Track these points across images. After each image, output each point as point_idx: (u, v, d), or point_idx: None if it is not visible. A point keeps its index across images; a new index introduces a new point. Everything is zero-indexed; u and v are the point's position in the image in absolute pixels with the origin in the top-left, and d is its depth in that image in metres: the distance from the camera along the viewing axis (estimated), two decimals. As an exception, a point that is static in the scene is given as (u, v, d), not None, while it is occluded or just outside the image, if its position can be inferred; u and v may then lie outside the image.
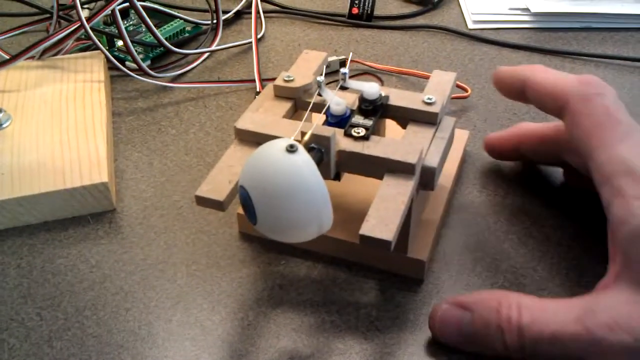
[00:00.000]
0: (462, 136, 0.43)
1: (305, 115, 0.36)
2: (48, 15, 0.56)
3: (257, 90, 0.50)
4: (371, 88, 0.35)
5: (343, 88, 0.37)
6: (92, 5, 0.62)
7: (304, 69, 0.39)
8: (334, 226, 0.30)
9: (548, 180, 0.42)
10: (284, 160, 0.28)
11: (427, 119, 0.35)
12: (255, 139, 0.34)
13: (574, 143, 0.33)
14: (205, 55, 0.56)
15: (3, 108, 0.44)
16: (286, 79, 0.38)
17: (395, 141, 0.33)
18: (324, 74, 0.37)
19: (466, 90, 0.49)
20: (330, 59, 0.53)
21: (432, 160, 0.33)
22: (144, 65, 0.50)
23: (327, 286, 0.35)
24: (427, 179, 0.33)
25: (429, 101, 0.35)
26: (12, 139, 0.42)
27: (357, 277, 0.35)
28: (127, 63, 0.53)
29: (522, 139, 0.41)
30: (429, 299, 0.34)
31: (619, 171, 0.30)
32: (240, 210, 0.37)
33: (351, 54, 0.38)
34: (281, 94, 0.38)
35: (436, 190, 0.36)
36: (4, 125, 0.43)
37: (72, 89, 0.47)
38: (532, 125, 0.41)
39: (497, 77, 0.38)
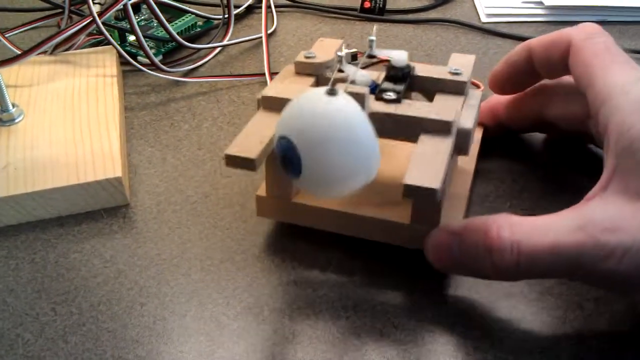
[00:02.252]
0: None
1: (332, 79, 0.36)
2: (60, 10, 0.56)
3: (268, 80, 0.50)
4: (399, 55, 0.35)
5: (371, 56, 0.36)
6: (103, 0, 0.63)
7: (322, 50, 0.39)
8: (357, 203, 0.31)
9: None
10: (329, 103, 0.27)
11: (455, 89, 0.35)
12: (283, 106, 0.33)
13: (575, 77, 0.34)
14: (217, 50, 0.56)
15: (16, 103, 0.44)
16: (307, 55, 0.37)
17: (427, 104, 0.33)
18: (343, 50, 0.37)
19: (479, 86, 0.48)
20: (341, 53, 0.52)
21: (467, 123, 0.33)
22: (156, 60, 0.50)
23: (343, 282, 0.34)
24: (462, 141, 0.33)
25: (455, 71, 0.35)
26: (25, 134, 0.42)
27: (374, 273, 0.35)
28: (139, 58, 0.53)
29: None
30: (449, 294, 0.34)
31: (617, 92, 0.31)
32: (261, 192, 0.36)
33: (375, 28, 0.37)
34: (302, 70, 0.37)
35: (463, 163, 0.35)
36: (17, 120, 0.43)
37: (85, 84, 0.47)
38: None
39: (499, 70, 0.40)
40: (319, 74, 0.37)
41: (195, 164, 0.43)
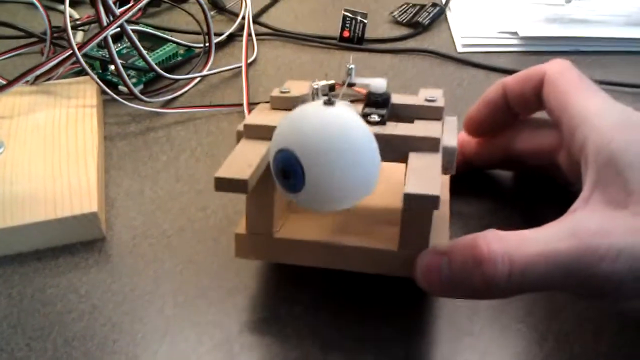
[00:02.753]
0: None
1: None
2: (43, 38, 0.56)
3: (246, 114, 0.51)
4: (379, 82, 0.36)
5: (350, 84, 0.37)
6: (86, 27, 0.64)
7: (295, 87, 0.39)
8: (342, 235, 0.31)
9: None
10: (330, 113, 0.28)
11: (433, 115, 0.36)
12: (266, 134, 0.33)
13: (549, 105, 0.36)
14: (197, 79, 0.57)
15: (-3, 136, 0.45)
16: (283, 90, 0.38)
17: (411, 125, 0.34)
18: (319, 82, 0.38)
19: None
20: (320, 83, 0.53)
21: (451, 142, 0.34)
22: (135, 90, 0.51)
23: (313, 320, 0.35)
24: (448, 159, 0.34)
25: (430, 99, 0.37)
26: (5, 168, 0.43)
27: (344, 311, 0.36)
28: (120, 87, 0.54)
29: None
30: (418, 330, 0.35)
31: (593, 115, 0.33)
32: (239, 230, 0.35)
33: (351, 58, 0.38)
34: (279, 105, 0.38)
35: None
36: (-3, 153, 0.44)
37: (65, 115, 0.48)
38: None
39: (475, 112, 0.41)
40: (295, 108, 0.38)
41: (172, 197, 0.44)
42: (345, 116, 0.28)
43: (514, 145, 0.41)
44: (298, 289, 0.37)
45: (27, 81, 0.51)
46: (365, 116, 0.35)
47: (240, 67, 0.57)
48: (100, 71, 0.56)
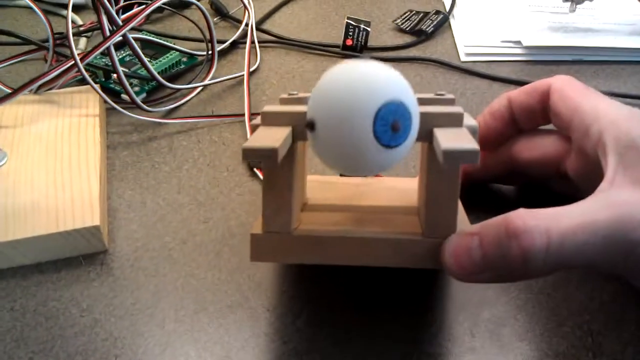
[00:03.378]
0: None
1: None
2: (45, 46, 0.56)
3: (247, 124, 0.51)
4: None
5: None
6: (90, 33, 0.64)
7: (302, 91, 0.39)
8: (364, 227, 0.32)
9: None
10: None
11: (445, 104, 0.36)
12: (285, 120, 0.32)
13: (557, 111, 0.37)
14: (200, 88, 0.57)
15: (0, 147, 0.45)
16: (291, 93, 0.38)
17: (431, 107, 0.33)
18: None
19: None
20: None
21: (471, 121, 0.33)
22: (138, 99, 0.51)
23: (312, 335, 0.35)
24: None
25: (440, 93, 0.37)
26: (7, 179, 0.43)
27: (343, 327, 0.36)
28: (123, 95, 0.54)
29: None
30: (413, 351, 0.35)
31: (606, 112, 0.34)
32: (255, 230, 0.33)
33: None
34: (288, 104, 0.37)
35: None
36: (0, 164, 0.44)
37: (68, 125, 0.48)
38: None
39: (480, 124, 0.41)
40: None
41: (174, 209, 0.44)
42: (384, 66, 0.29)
43: (518, 156, 0.40)
44: (300, 304, 0.37)
45: (31, 90, 0.51)
46: None
47: (243, 75, 0.57)
48: (104, 79, 0.56)
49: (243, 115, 0.52)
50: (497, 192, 0.45)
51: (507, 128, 0.41)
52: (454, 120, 0.31)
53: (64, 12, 0.70)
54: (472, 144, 0.28)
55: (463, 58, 0.61)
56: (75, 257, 0.40)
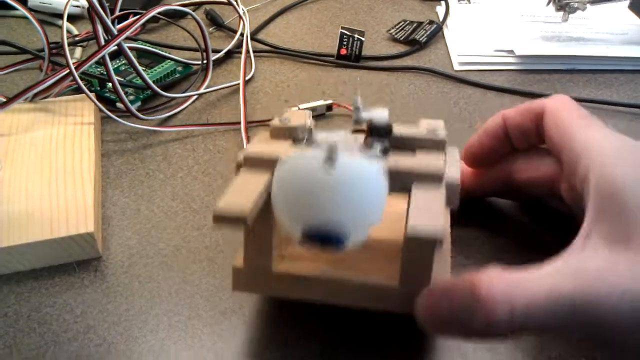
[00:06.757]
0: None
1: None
2: (41, 56, 0.57)
3: (243, 133, 0.51)
4: (381, 113, 0.36)
5: (357, 122, 0.36)
6: (85, 43, 0.64)
7: (296, 115, 0.39)
8: (342, 269, 0.32)
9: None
10: (343, 169, 0.27)
11: (435, 146, 0.35)
12: (266, 165, 0.33)
13: (549, 136, 0.36)
14: (195, 97, 0.57)
15: (-5, 154, 0.45)
16: (282, 120, 0.37)
17: (414, 157, 0.34)
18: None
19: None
20: (316, 103, 0.54)
21: (455, 175, 0.34)
22: (133, 108, 0.51)
23: (307, 344, 0.35)
24: (451, 194, 0.33)
25: (432, 130, 0.36)
26: (2, 187, 0.43)
27: (341, 338, 0.36)
28: (118, 104, 0.54)
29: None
30: None
31: (595, 144, 0.33)
32: (237, 263, 0.34)
33: (360, 107, 0.37)
34: (278, 134, 0.37)
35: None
36: (-6, 172, 0.44)
37: (62, 133, 0.48)
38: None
39: (475, 142, 0.41)
40: (295, 138, 0.37)
41: (168, 216, 0.44)
42: (353, 164, 0.28)
43: (514, 176, 0.40)
44: (294, 311, 0.37)
45: (26, 98, 0.51)
46: (367, 146, 0.35)
47: (238, 84, 0.57)
48: (99, 88, 0.57)
49: (238, 123, 0.52)
50: (494, 204, 0.45)
51: (502, 147, 0.40)
52: (434, 179, 0.32)
53: (59, 22, 0.70)
54: (434, 231, 0.28)
55: (456, 67, 0.62)
56: (69, 264, 0.40)
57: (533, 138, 0.39)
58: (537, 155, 0.39)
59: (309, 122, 0.37)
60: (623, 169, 0.31)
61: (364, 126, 0.36)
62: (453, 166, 0.36)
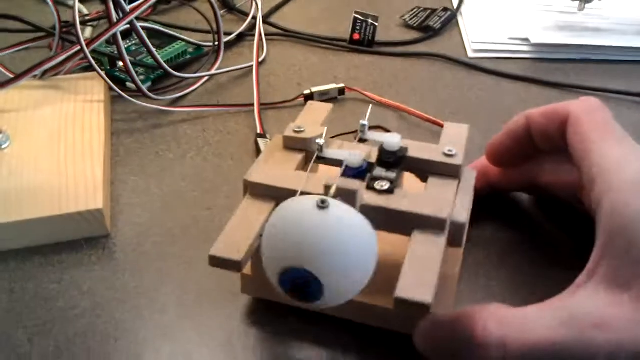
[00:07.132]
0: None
1: (310, 165, 0.35)
2: (52, 32, 0.56)
3: (256, 116, 0.50)
4: (392, 138, 0.34)
5: (362, 140, 0.36)
6: (95, 23, 0.64)
7: (312, 119, 0.38)
8: None
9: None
10: (331, 218, 0.27)
11: (449, 172, 0.34)
12: (270, 193, 0.33)
13: (571, 148, 0.35)
14: (206, 78, 0.56)
15: (2, 128, 0.45)
16: (296, 130, 0.36)
17: (421, 195, 0.32)
18: (324, 137, 0.35)
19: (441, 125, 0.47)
20: (329, 86, 0.53)
21: (461, 216, 0.32)
22: (144, 87, 0.51)
23: (315, 322, 0.35)
24: (455, 235, 0.32)
25: (449, 153, 0.35)
26: (10, 161, 0.43)
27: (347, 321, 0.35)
28: (128, 84, 0.53)
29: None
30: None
31: (611, 168, 0.31)
32: (246, 271, 0.34)
33: (369, 111, 0.36)
34: (291, 145, 0.36)
35: None
36: (3, 147, 0.44)
37: (72, 111, 0.48)
38: None
39: (498, 141, 0.40)
40: (308, 149, 0.36)
41: (178, 196, 0.44)
42: (344, 218, 0.27)
43: (539, 178, 0.39)
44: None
45: (35, 75, 0.51)
46: (374, 180, 0.33)
47: (249, 67, 0.56)
48: (109, 67, 0.56)
49: (249, 105, 0.52)
50: (513, 202, 0.44)
51: (525, 148, 0.39)
52: (436, 225, 0.31)
53: (70, 2, 0.70)
54: (426, 295, 0.28)
55: (470, 54, 0.61)
56: (77, 241, 0.40)
57: (558, 143, 0.37)
58: (563, 161, 0.38)
59: (321, 141, 0.35)
60: (637, 202, 0.29)
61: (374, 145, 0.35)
62: (464, 198, 0.34)
